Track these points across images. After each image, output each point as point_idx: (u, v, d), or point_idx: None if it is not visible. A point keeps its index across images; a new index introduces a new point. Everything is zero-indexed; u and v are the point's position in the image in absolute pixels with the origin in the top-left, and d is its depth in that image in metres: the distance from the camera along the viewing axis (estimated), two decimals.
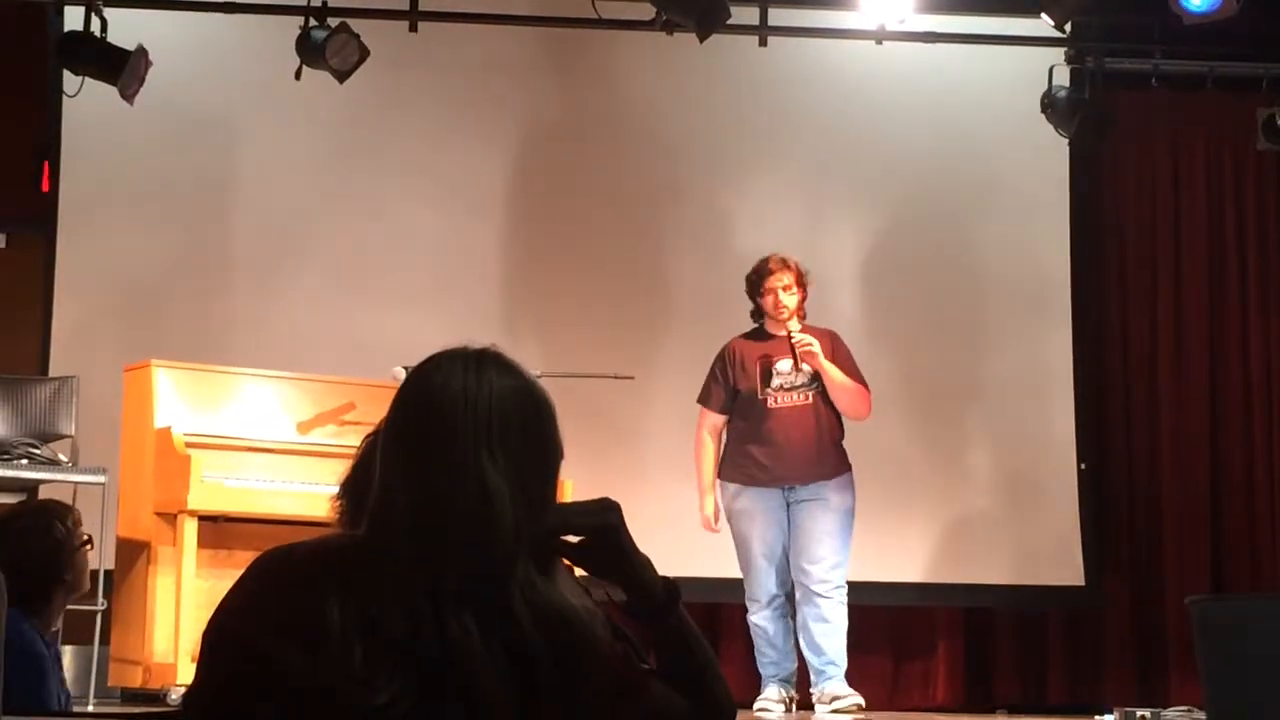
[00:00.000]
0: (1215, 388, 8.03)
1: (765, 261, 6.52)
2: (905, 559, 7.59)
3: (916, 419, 7.75)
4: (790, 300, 6.44)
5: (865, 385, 6.54)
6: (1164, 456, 7.96)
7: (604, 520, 2.01)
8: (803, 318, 6.51)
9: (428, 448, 1.90)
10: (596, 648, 1.90)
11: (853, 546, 7.13)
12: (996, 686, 7.77)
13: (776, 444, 6.42)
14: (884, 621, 7.71)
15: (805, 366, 6.41)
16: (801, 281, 6.49)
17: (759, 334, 6.59)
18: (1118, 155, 8.15)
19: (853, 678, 6.48)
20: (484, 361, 1.96)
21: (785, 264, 6.48)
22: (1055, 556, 7.71)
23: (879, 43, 7.82)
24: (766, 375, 6.46)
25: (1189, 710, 6.29)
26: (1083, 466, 7.81)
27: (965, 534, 7.68)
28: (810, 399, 6.43)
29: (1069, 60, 7.85)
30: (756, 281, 6.54)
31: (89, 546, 4.26)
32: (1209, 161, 8.19)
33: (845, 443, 6.59)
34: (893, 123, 7.94)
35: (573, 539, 2.01)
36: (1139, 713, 5.76)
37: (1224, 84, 7.98)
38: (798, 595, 6.45)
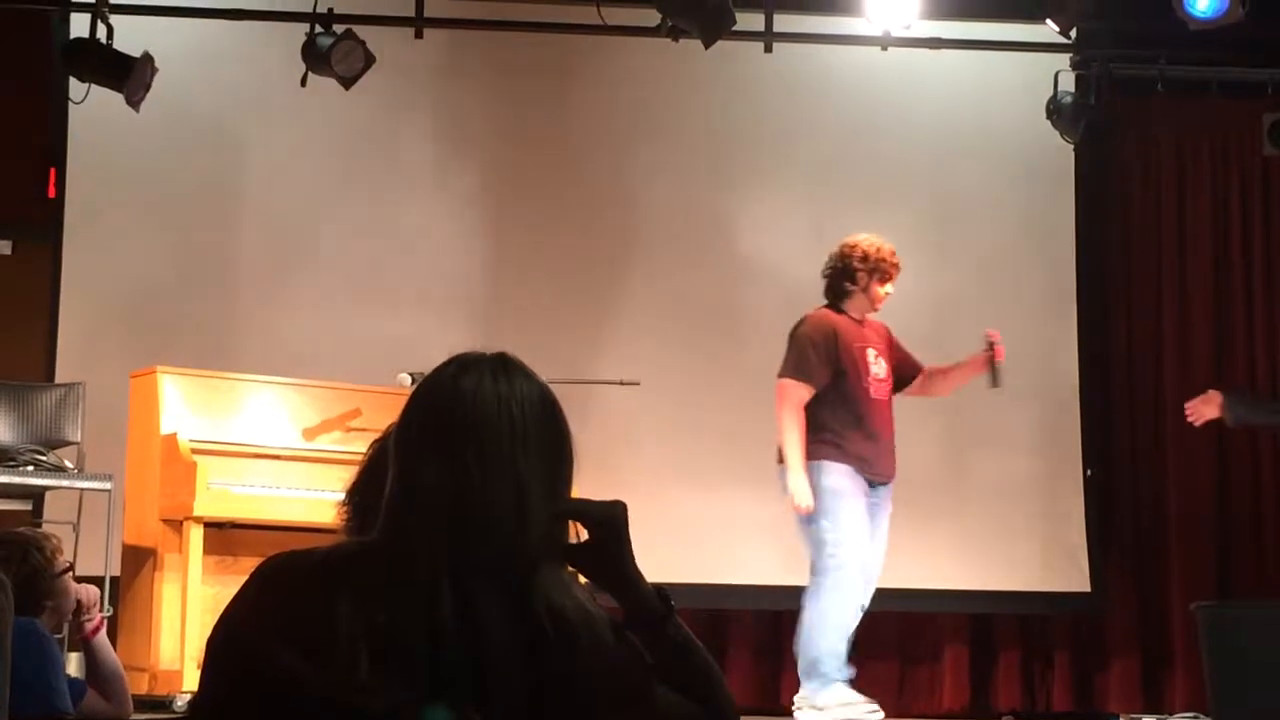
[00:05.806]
0: None
1: (893, 253, 6.19)
2: (911, 565, 7.56)
3: (921, 425, 7.73)
4: None
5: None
6: (1170, 463, 7.94)
7: (614, 511, 2.03)
8: None
9: (465, 449, 1.94)
10: (602, 652, 1.92)
11: None
12: (1002, 692, 7.76)
13: (875, 436, 6.10)
14: (890, 627, 7.70)
15: (882, 360, 6.16)
16: None
17: (849, 317, 6.22)
18: (1123, 161, 8.15)
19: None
20: (510, 367, 2.01)
21: None
22: (1061, 562, 7.70)
23: (884, 49, 7.81)
24: (868, 363, 6.14)
25: (1194, 716, 6.30)
26: (1089, 472, 7.80)
27: (971, 540, 7.67)
28: (888, 394, 6.19)
29: (1074, 66, 7.84)
30: (880, 268, 6.18)
31: (69, 572, 4.20)
32: (1214, 167, 8.17)
33: None
34: (898, 129, 7.94)
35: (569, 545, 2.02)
36: (1144, 719, 5.76)
37: (1230, 90, 7.97)
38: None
